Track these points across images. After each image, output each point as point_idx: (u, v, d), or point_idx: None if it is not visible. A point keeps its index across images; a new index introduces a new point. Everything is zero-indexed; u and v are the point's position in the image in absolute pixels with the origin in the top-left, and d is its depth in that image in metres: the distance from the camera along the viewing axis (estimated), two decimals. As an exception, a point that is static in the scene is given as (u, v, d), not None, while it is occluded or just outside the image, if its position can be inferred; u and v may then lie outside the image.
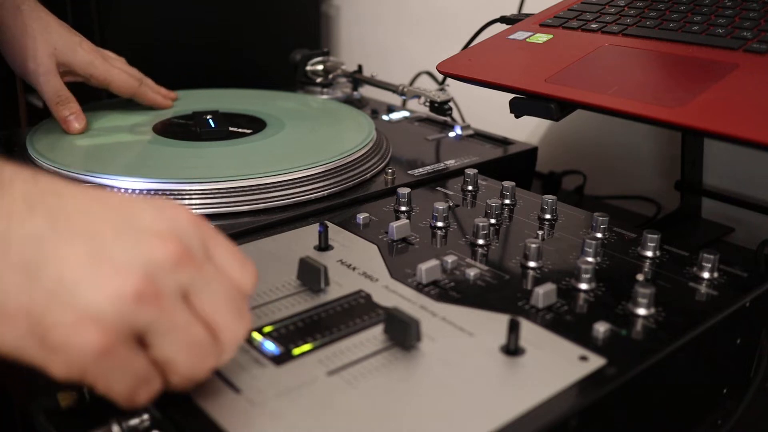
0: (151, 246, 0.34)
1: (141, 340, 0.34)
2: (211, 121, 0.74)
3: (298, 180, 0.62)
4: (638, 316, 0.45)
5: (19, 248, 0.32)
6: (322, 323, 0.44)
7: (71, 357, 0.32)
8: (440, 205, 0.58)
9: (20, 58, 0.72)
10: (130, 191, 0.59)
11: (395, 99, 0.94)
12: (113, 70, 0.76)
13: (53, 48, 0.72)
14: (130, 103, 0.81)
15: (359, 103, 0.94)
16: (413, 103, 0.94)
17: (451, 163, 0.73)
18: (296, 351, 0.41)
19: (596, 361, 0.41)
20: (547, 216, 0.60)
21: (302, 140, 0.71)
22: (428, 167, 0.71)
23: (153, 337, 0.34)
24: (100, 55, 0.76)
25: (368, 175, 0.67)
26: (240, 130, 0.73)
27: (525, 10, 0.91)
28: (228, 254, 0.38)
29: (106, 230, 0.34)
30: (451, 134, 0.82)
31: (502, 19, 0.80)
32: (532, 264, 0.52)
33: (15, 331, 0.32)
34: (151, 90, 0.80)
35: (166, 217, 0.36)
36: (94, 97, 0.85)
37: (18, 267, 0.32)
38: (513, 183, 0.64)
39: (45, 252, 0.32)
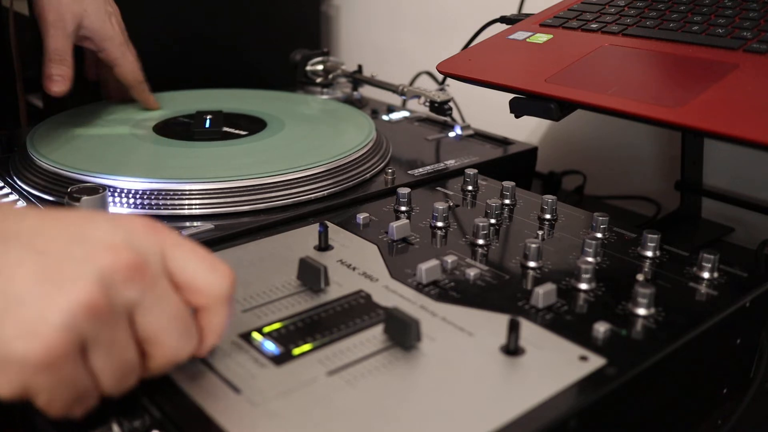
0: (102, 257, 0.33)
1: (82, 353, 0.33)
2: (208, 121, 0.74)
3: (298, 180, 0.62)
4: (638, 316, 0.45)
5: None
6: (322, 323, 0.44)
7: (12, 373, 0.31)
8: (440, 205, 0.58)
9: (44, 2, 0.70)
10: (131, 192, 0.59)
11: (395, 99, 0.94)
12: (128, 54, 0.77)
13: (83, 9, 0.71)
14: (130, 104, 0.81)
15: (359, 103, 0.94)
16: (413, 103, 0.94)
17: (451, 163, 0.73)
18: (296, 351, 0.41)
19: (596, 361, 0.41)
20: (547, 216, 0.60)
21: (302, 140, 0.71)
22: (428, 167, 0.71)
23: (92, 350, 0.33)
24: (124, 37, 0.76)
25: (368, 175, 0.67)
26: (236, 131, 0.73)
27: (525, 10, 0.91)
28: (194, 259, 0.37)
29: (57, 244, 0.33)
30: (451, 134, 0.82)
31: (502, 19, 0.80)
32: (532, 264, 0.52)
33: None
34: (147, 90, 0.80)
35: (122, 229, 0.35)
36: (96, 97, 0.85)
37: None
38: (513, 183, 0.64)
39: None
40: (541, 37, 0.71)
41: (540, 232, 0.58)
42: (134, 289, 0.34)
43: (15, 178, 0.65)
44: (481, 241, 0.55)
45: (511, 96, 0.64)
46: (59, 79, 0.69)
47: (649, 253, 0.54)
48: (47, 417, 0.39)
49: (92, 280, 0.32)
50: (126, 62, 0.77)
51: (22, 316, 0.31)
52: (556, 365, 0.41)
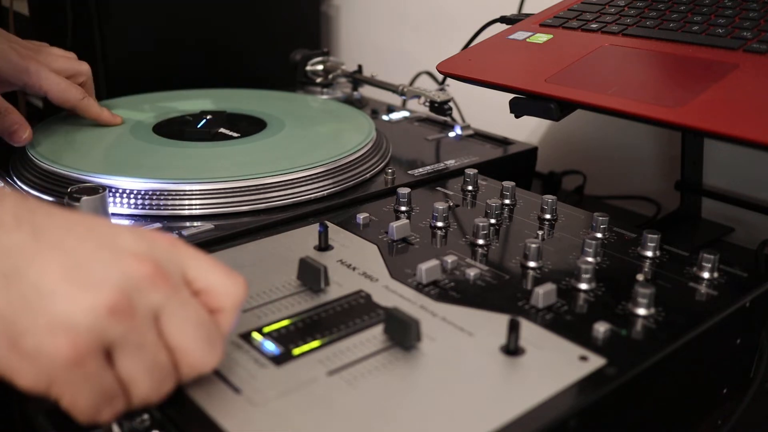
0: (128, 264, 0.35)
1: (108, 357, 0.34)
2: (207, 120, 0.74)
3: (298, 180, 0.62)
4: (638, 316, 0.45)
5: (2, 256, 0.33)
6: (322, 323, 0.44)
7: (40, 365, 0.32)
8: (440, 205, 0.58)
9: None
10: (131, 192, 0.59)
11: (395, 99, 0.94)
12: (50, 79, 0.69)
13: None
14: (129, 103, 0.81)
15: (359, 103, 0.94)
16: (413, 103, 0.94)
17: (451, 163, 0.73)
18: (296, 351, 0.41)
19: (596, 361, 0.41)
20: (547, 216, 0.60)
21: (302, 140, 0.71)
22: (428, 167, 0.71)
23: (120, 354, 0.34)
24: (35, 61, 0.69)
25: (368, 175, 0.67)
26: (235, 131, 0.73)
27: (525, 10, 0.91)
28: (211, 270, 0.38)
29: (86, 246, 0.35)
30: (451, 134, 0.82)
31: (502, 19, 0.80)
32: (532, 264, 0.52)
33: None
34: (95, 105, 0.73)
35: (145, 239, 0.37)
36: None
37: None
38: (513, 183, 0.64)
39: (25, 261, 0.33)
40: (541, 37, 0.71)
41: (540, 232, 0.58)
42: (158, 294, 0.35)
43: (15, 178, 0.65)
44: (481, 241, 0.55)
45: (511, 96, 0.64)
46: (17, 127, 0.66)
47: (649, 253, 0.54)
48: (47, 417, 0.39)
49: (116, 285, 0.34)
50: (52, 87, 0.69)
51: (52, 311, 0.32)
52: (556, 365, 0.41)
